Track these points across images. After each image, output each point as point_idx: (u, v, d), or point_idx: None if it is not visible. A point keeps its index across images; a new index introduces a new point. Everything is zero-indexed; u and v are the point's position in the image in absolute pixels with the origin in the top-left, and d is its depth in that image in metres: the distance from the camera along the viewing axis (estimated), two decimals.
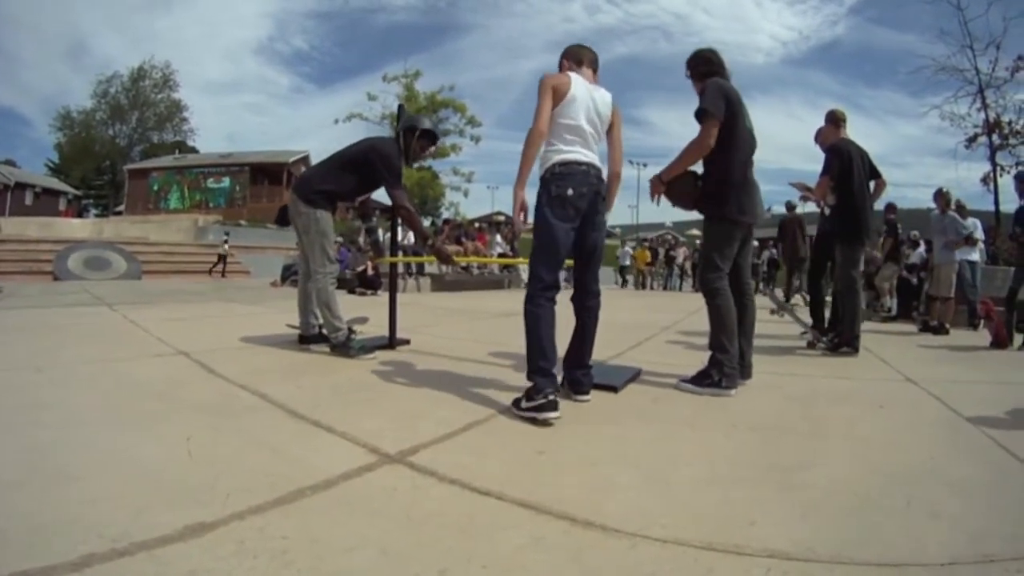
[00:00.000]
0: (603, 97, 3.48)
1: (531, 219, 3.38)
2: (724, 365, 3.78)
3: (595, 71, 3.63)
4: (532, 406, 2.98)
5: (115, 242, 20.91)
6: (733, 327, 3.87)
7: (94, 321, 6.64)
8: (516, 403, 3.12)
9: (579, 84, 3.36)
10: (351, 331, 4.91)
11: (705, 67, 4.07)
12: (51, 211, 43.82)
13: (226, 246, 22.27)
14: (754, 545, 1.72)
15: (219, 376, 3.81)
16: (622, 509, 1.95)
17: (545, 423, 2.92)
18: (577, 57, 3.58)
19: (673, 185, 3.98)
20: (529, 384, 3.10)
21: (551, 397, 2.98)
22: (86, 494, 1.89)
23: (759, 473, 2.36)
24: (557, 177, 3.23)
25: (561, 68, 3.57)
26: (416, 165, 27.22)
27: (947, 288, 8.73)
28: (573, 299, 3.59)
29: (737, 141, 3.89)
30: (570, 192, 3.21)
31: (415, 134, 4.99)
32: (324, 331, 5.00)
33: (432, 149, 5.35)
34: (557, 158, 3.25)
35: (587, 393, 3.51)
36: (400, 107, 5.85)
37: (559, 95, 3.28)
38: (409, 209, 4.85)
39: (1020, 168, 23.99)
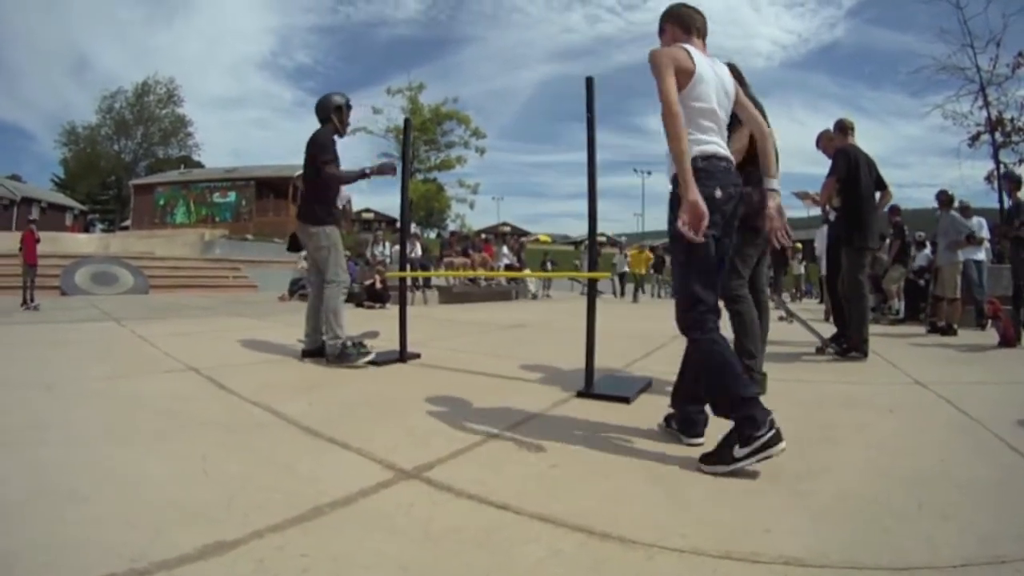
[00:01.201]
0: (724, 71, 2.95)
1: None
2: (752, 371, 3.80)
3: (704, 39, 3.01)
4: (759, 445, 2.39)
5: (122, 257, 20.96)
6: (757, 332, 3.90)
7: (103, 337, 6.68)
8: (718, 457, 2.48)
9: (702, 60, 2.78)
10: (361, 344, 5.01)
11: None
12: (57, 226, 43.89)
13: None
14: (770, 552, 1.73)
15: (230, 392, 3.83)
16: (638, 520, 1.96)
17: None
18: (686, 23, 2.96)
19: None
20: (737, 424, 2.47)
21: (776, 426, 2.42)
22: (99, 513, 1.91)
23: (771, 480, 2.37)
24: (701, 174, 2.60)
25: (664, 35, 3.01)
26: (422, 177, 27.33)
27: (952, 289, 8.71)
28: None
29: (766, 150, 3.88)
30: (718, 194, 2.64)
31: (340, 111, 5.44)
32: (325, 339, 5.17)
33: (350, 112, 5.67)
34: (696, 150, 2.67)
35: (701, 436, 2.86)
36: (407, 121, 5.88)
37: (683, 73, 2.67)
38: (335, 176, 5.25)
39: (1010, 168, 23.92)
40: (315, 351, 5.27)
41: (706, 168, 2.64)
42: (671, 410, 3.06)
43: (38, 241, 12.36)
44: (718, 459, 2.45)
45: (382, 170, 5.49)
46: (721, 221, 2.67)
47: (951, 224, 8.81)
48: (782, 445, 2.38)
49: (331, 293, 5.15)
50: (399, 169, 5.65)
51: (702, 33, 2.97)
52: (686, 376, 2.98)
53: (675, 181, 2.62)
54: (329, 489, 2.17)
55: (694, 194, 2.46)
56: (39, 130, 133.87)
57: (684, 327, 2.74)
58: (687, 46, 2.79)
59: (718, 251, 2.71)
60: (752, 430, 2.40)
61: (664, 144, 2.58)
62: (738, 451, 2.40)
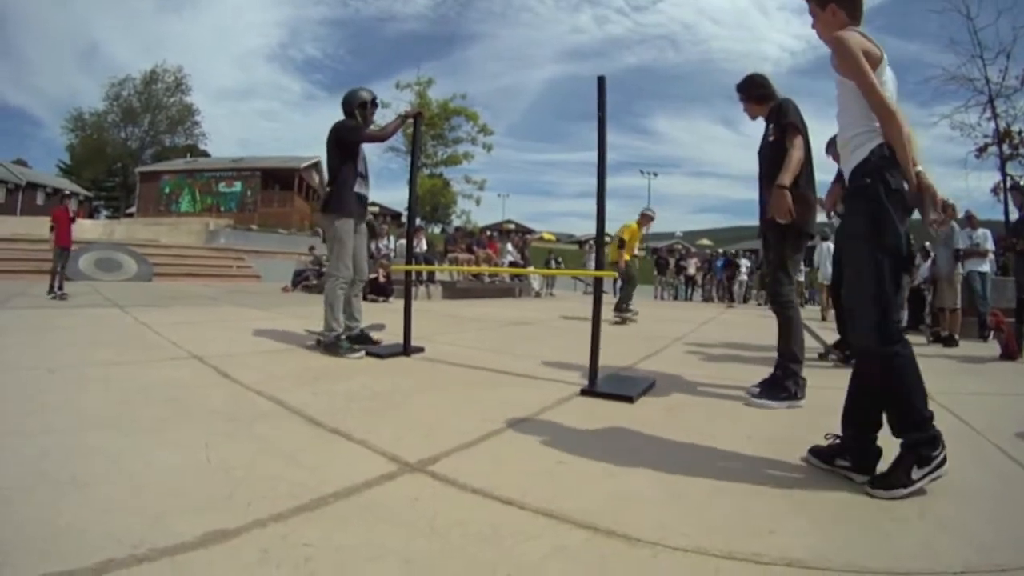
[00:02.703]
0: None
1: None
2: (799, 376, 3.83)
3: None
4: (935, 465, 2.29)
5: (126, 244, 20.97)
6: (803, 337, 3.93)
7: (106, 323, 6.69)
8: (895, 481, 2.28)
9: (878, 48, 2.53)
10: (357, 341, 5.17)
11: (761, 90, 4.14)
12: None
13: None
14: (772, 554, 1.74)
15: (234, 381, 3.83)
16: (643, 519, 1.96)
17: None
18: (856, 5, 2.68)
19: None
20: (917, 444, 2.32)
21: (943, 443, 2.33)
22: (100, 500, 1.90)
23: (775, 484, 2.36)
24: (889, 164, 2.40)
25: (824, 12, 2.71)
26: (428, 172, 27.36)
27: (952, 299, 8.70)
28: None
29: (810, 158, 3.96)
30: (906, 186, 2.42)
31: (365, 107, 5.53)
32: (357, 331, 5.53)
33: (375, 109, 5.77)
34: (881, 139, 2.44)
35: (873, 472, 2.43)
36: (417, 114, 5.89)
37: (870, 58, 2.44)
38: (384, 133, 5.50)
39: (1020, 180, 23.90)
40: (347, 339, 5.40)
41: (891, 159, 2.41)
42: (827, 442, 2.61)
43: (73, 220, 11.44)
44: (896, 483, 2.27)
45: (411, 113, 5.79)
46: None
47: (952, 235, 8.80)
48: (948, 465, 2.30)
49: (329, 286, 5.28)
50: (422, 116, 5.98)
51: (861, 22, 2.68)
52: (862, 399, 2.53)
53: (871, 173, 2.41)
54: (333, 480, 2.16)
55: (926, 192, 2.46)
56: (46, 116, 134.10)
57: (880, 341, 2.39)
58: (860, 30, 2.56)
59: None
60: (931, 450, 2.29)
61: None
62: (916, 472, 2.26)
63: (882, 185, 2.38)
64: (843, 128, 2.61)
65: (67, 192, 13.58)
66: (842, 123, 2.62)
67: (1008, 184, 18.78)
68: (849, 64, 2.44)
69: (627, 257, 10.40)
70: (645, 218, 10.78)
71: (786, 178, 3.69)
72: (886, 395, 2.42)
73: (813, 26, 2.79)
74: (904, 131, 2.37)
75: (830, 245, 17.36)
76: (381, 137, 5.47)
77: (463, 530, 1.82)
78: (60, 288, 10.32)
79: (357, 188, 5.36)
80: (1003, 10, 24.96)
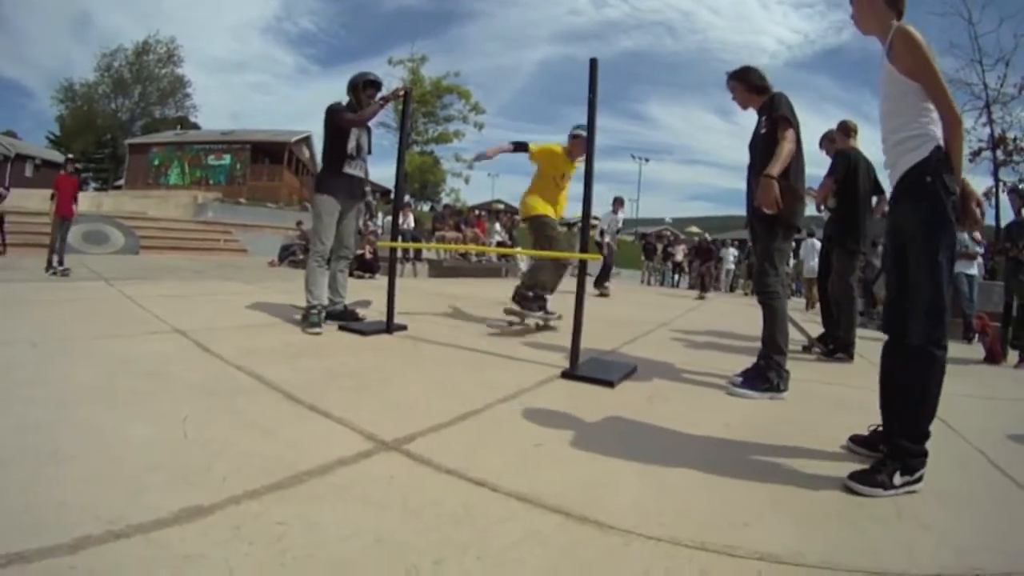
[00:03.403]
0: None
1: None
2: (783, 368, 3.85)
3: None
4: (918, 477, 2.33)
5: (114, 216, 20.81)
6: (788, 329, 3.95)
7: (91, 296, 6.61)
8: (876, 481, 2.27)
9: None
10: (320, 316, 5.20)
11: (759, 81, 4.12)
12: (51, 184, 43.61)
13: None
14: (746, 547, 1.74)
15: (215, 355, 3.80)
16: (617, 506, 1.96)
17: None
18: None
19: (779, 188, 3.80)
20: (910, 453, 2.34)
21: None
22: (80, 474, 1.89)
23: (753, 476, 2.37)
24: (946, 167, 2.37)
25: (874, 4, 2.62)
26: (419, 149, 27.20)
27: None
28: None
29: (801, 152, 3.98)
30: (958, 191, 2.41)
31: (357, 89, 5.53)
32: (341, 308, 5.62)
33: (377, 93, 5.77)
34: (939, 141, 2.41)
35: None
36: (406, 92, 5.85)
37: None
38: (361, 117, 5.46)
39: (1018, 184, 24.00)
40: (333, 314, 5.53)
41: (947, 163, 2.38)
42: (868, 432, 2.74)
43: (78, 190, 10.64)
44: (878, 482, 2.27)
45: (395, 94, 6.02)
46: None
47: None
48: (922, 483, 2.33)
49: (308, 260, 5.42)
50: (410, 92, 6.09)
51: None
52: (907, 397, 2.44)
53: (932, 173, 2.36)
54: (308, 457, 2.16)
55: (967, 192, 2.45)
56: (37, 87, 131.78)
57: (932, 340, 2.35)
58: None
59: None
60: (917, 463, 2.32)
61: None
62: (898, 478, 2.27)
63: (942, 186, 2.35)
64: (897, 127, 2.51)
65: (70, 156, 13.12)
66: (896, 122, 2.52)
67: (1008, 187, 18.80)
68: (922, 63, 2.41)
69: (539, 208, 5.94)
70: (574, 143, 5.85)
71: (775, 168, 3.68)
72: (911, 393, 2.41)
73: (852, 14, 2.73)
74: (962, 142, 2.40)
75: (815, 241, 17.50)
76: (359, 121, 5.47)
77: (436, 510, 1.82)
78: (60, 263, 9.56)
79: (347, 168, 5.42)
80: (1005, 17, 24.98)
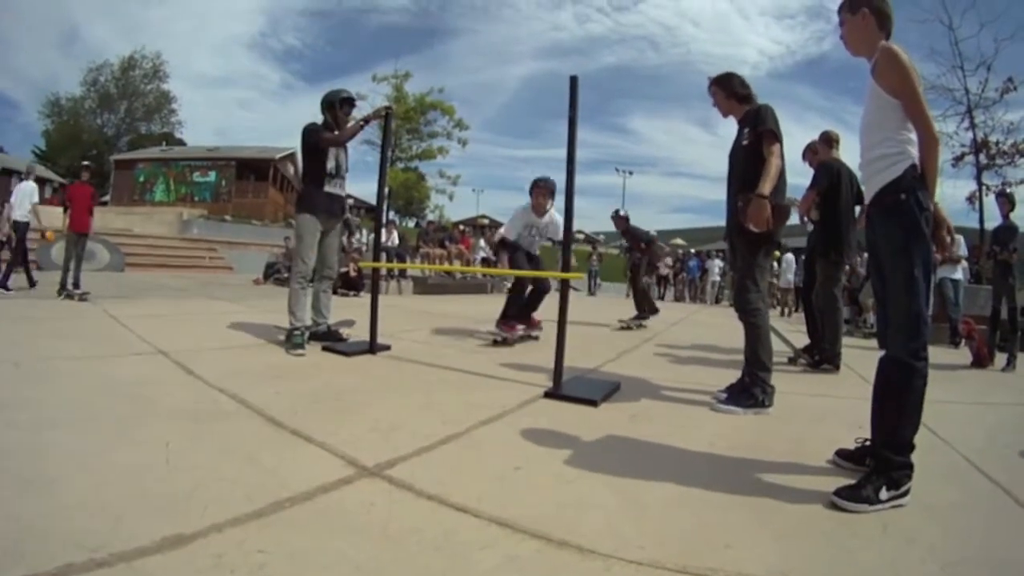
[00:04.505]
0: None
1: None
2: (767, 384, 3.85)
3: None
4: (904, 491, 2.34)
5: (99, 233, 20.69)
6: (771, 345, 3.96)
7: (75, 315, 6.59)
8: (862, 496, 2.28)
9: None
10: (304, 336, 5.18)
11: (743, 90, 4.13)
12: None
13: None
14: (728, 568, 1.74)
15: (198, 378, 3.79)
16: (597, 529, 1.96)
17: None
18: (886, 18, 2.64)
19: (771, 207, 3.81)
20: (896, 466, 2.36)
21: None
22: (62, 501, 1.88)
23: (735, 495, 2.37)
24: (921, 186, 2.43)
25: (854, 18, 2.67)
26: (402, 166, 27.12)
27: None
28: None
29: (784, 168, 3.96)
30: (931, 209, 2.47)
31: (333, 107, 5.56)
32: (325, 328, 5.64)
33: (352, 111, 5.84)
34: (914, 160, 2.46)
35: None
36: (387, 112, 5.87)
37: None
38: (341, 137, 5.48)
39: (1005, 187, 24.18)
40: (317, 335, 5.55)
41: (923, 181, 2.44)
42: (856, 445, 2.80)
43: (94, 201, 9.43)
44: (864, 497, 2.27)
45: (377, 115, 5.88)
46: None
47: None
48: (909, 496, 2.34)
49: (291, 281, 5.41)
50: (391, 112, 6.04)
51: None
52: (887, 408, 2.49)
53: (907, 190, 2.41)
54: (290, 484, 2.16)
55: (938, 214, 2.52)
56: (24, 100, 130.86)
57: (914, 352, 2.40)
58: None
59: None
60: (903, 477, 2.34)
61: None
62: (884, 493, 2.28)
63: (916, 203, 2.40)
64: (875, 144, 2.56)
65: (85, 163, 12.80)
66: (875, 137, 2.56)
67: (996, 191, 18.91)
68: (904, 82, 2.44)
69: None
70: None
71: (766, 187, 3.70)
72: (892, 404, 2.45)
73: (842, 36, 2.76)
74: (937, 164, 2.45)
75: (790, 255, 17.60)
76: (337, 141, 5.47)
77: (417, 537, 1.82)
78: (76, 286, 8.55)
79: (327, 187, 5.43)
80: (986, 23, 25.12)
